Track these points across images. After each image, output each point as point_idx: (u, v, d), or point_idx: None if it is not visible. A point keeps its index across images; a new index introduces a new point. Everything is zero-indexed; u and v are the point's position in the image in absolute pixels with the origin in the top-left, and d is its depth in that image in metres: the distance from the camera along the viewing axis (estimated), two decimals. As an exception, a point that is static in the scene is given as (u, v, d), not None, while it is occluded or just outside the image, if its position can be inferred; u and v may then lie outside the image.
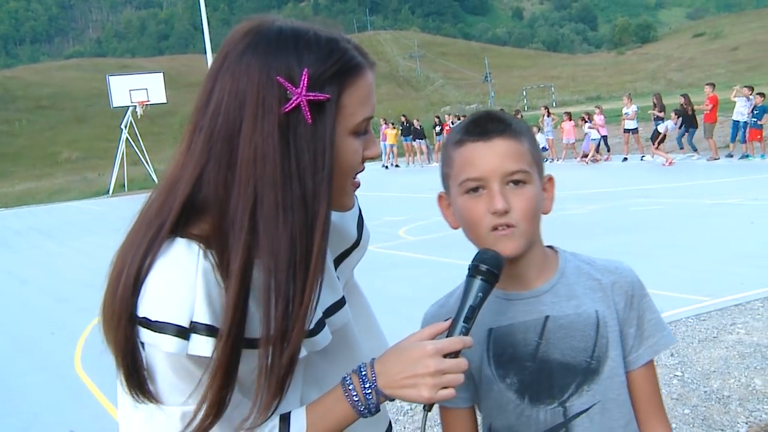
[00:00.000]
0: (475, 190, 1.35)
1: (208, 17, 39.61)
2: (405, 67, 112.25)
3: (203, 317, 1.10)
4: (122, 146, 33.86)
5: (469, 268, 1.30)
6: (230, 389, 1.14)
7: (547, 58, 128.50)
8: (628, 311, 1.42)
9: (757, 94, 19.14)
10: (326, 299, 1.35)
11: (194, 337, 1.10)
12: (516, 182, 1.34)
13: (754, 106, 18.90)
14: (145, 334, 1.10)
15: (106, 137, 54.57)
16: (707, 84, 21.44)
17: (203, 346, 1.10)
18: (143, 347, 1.12)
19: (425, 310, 1.54)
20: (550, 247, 1.49)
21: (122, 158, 33.83)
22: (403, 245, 11.13)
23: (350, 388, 1.21)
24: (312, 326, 1.26)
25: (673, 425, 4.19)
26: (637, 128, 22.70)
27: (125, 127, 33.48)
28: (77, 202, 31.29)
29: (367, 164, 1.29)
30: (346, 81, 1.17)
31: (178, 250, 1.12)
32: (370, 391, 1.21)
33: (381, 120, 33.01)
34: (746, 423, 4.20)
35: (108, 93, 32.54)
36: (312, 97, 1.13)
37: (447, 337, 1.24)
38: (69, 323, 8.29)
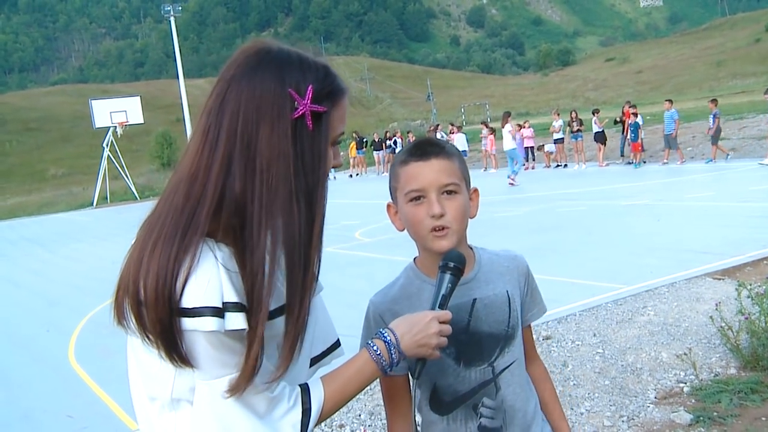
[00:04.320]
0: (417, 198, 1.50)
1: (179, 46, 39.17)
2: (356, 88, 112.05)
3: (232, 297, 1.16)
4: (104, 163, 33.26)
5: (440, 266, 1.46)
6: (262, 353, 1.19)
7: (482, 80, 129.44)
8: (525, 287, 1.66)
9: (632, 113, 20.26)
10: None
11: (228, 315, 1.16)
12: (449, 192, 1.50)
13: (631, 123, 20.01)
14: (184, 323, 1.14)
15: (89, 155, 53.46)
16: (626, 102, 22.14)
17: (237, 320, 1.16)
18: (182, 336, 1.16)
19: (370, 298, 1.63)
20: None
21: (104, 174, 33.22)
22: (359, 246, 11.12)
23: (376, 351, 1.34)
24: None
25: (596, 395, 4.27)
26: (563, 138, 22.95)
27: (106, 145, 32.88)
28: (64, 214, 30.56)
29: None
30: (335, 100, 1.27)
31: (201, 249, 1.17)
32: (395, 351, 1.34)
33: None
34: (655, 389, 4.31)
35: (90, 115, 31.98)
36: (314, 109, 1.22)
37: None
38: (61, 322, 8.07)
